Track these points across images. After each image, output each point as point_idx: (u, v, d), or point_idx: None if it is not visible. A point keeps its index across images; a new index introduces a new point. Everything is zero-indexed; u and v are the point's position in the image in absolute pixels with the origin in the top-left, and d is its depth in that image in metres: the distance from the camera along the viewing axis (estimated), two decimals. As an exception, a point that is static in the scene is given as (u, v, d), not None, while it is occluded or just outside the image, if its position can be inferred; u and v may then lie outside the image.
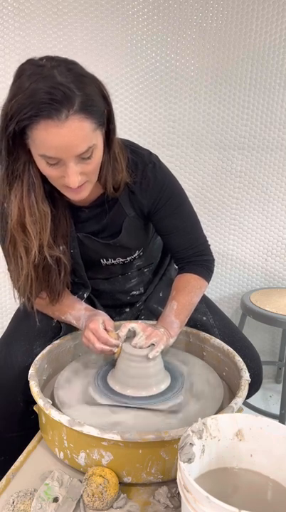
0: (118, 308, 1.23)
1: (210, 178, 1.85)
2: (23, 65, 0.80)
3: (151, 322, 1.10)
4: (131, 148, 1.02)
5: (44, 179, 0.90)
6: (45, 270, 0.99)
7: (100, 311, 1.04)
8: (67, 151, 0.80)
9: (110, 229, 1.06)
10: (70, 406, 0.89)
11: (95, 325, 0.95)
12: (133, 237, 1.09)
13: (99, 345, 0.93)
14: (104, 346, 0.93)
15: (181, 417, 0.87)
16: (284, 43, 1.71)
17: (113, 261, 1.12)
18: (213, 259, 1.15)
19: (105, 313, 1.03)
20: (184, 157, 1.81)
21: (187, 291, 1.06)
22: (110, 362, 1.03)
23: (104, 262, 1.12)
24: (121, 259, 1.12)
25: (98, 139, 0.85)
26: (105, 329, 0.96)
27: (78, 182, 0.85)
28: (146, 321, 1.09)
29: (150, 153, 1.05)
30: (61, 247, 1.00)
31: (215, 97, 1.75)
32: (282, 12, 1.68)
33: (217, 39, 1.69)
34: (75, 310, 1.05)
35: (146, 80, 1.71)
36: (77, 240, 1.06)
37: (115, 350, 0.95)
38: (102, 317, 0.99)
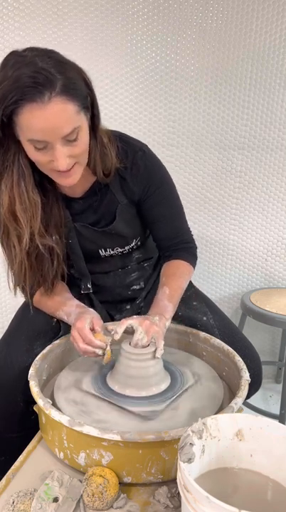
0: (118, 304, 1.23)
1: (210, 178, 1.85)
2: (7, 56, 0.83)
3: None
4: (121, 138, 1.05)
5: (34, 169, 0.93)
6: (38, 259, 1.01)
7: (91, 310, 1.03)
8: (52, 133, 0.82)
9: (106, 217, 1.08)
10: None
11: (81, 324, 0.94)
12: (128, 225, 1.10)
13: (82, 345, 0.93)
14: (88, 347, 0.93)
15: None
16: (284, 43, 1.71)
17: (111, 251, 1.13)
18: (196, 247, 1.18)
19: (96, 312, 1.02)
20: (184, 157, 1.81)
21: (177, 276, 1.08)
22: (110, 362, 1.03)
23: (102, 252, 1.13)
24: (119, 249, 1.13)
25: (82, 122, 0.87)
26: (93, 329, 0.95)
27: (67, 164, 0.87)
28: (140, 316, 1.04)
29: (139, 141, 1.08)
30: (54, 237, 1.02)
31: (215, 97, 1.75)
32: (282, 12, 1.68)
33: (217, 39, 1.69)
34: (67, 306, 1.05)
35: (146, 80, 1.71)
36: (74, 230, 1.08)
37: (99, 352, 0.93)
38: (90, 316, 0.98)
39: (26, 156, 0.90)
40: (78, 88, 0.84)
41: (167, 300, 1.02)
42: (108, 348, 0.93)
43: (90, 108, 0.89)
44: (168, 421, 0.85)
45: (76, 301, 1.07)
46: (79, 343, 0.93)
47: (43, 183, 0.98)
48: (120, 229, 1.09)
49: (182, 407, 0.90)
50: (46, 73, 0.78)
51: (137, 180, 1.05)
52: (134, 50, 1.68)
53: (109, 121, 1.70)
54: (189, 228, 1.18)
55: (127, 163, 1.03)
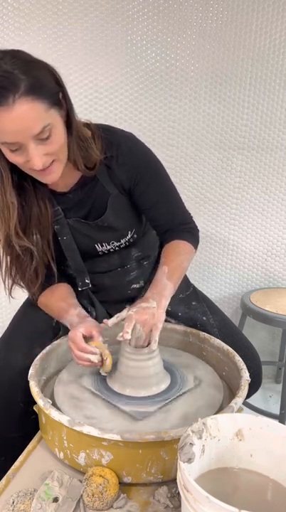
0: (118, 304, 1.23)
1: (210, 178, 1.85)
2: None
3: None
4: (105, 128, 1.05)
5: (14, 170, 0.94)
6: (18, 259, 1.03)
7: (89, 319, 1.03)
8: (22, 134, 0.83)
9: (97, 210, 1.08)
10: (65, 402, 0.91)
11: (73, 332, 0.95)
12: (120, 217, 1.09)
13: (76, 352, 0.93)
14: (81, 353, 0.92)
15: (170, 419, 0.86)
16: (284, 43, 1.71)
17: (108, 246, 1.12)
18: (198, 229, 1.17)
19: (95, 321, 1.02)
20: (184, 157, 1.81)
21: (176, 254, 1.07)
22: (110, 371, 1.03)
23: (99, 247, 1.12)
24: (115, 243, 1.12)
25: (54, 119, 0.86)
26: (90, 336, 0.96)
27: (42, 163, 0.88)
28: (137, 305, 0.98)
29: (124, 130, 1.09)
30: (35, 236, 1.03)
31: (215, 97, 1.75)
32: (282, 12, 1.68)
33: (217, 39, 1.69)
34: (69, 315, 1.04)
35: (146, 79, 1.71)
36: (68, 226, 1.08)
37: (93, 358, 0.92)
38: (85, 325, 0.98)
39: (5, 159, 0.91)
40: (45, 86, 0.83)
41: (166, 278, 1.01)
42: (106, 355, 0.93)
43: (64, 104, 0.89)
44: (157, 423, 0.84)
45: (77, 310, 1.05)
46: (74, 350, 0.93)
47: (22, 183, 1.00)
48: (112, 221, 1.08)
49: (175, 410, 0.89)
50: (8, 75, 0.79)
51: (124, 167, 1.04)
52: (134, 50, 1.68)
53: (109, 121, 1.70)
54: (186, 209, 1.16)
55: (113, 152, 1.03)
